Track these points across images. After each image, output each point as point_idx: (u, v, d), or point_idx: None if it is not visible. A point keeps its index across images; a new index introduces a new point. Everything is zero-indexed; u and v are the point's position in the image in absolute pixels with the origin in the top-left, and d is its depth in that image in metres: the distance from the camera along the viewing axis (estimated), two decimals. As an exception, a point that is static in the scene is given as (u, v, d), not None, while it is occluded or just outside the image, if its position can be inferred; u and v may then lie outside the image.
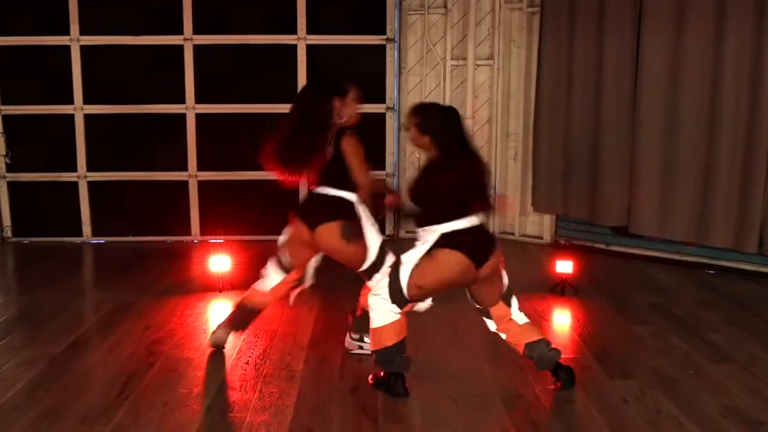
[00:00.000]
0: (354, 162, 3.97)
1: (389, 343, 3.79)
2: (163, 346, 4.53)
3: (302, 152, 3.93)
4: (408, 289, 3.70)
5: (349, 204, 4.01)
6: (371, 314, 3.86)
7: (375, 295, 3.85)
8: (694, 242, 6.33)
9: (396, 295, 3.73)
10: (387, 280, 3.78)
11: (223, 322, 4.43)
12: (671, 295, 5.68)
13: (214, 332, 4.46)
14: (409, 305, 3.83)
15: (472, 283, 3.79)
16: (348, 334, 4.45)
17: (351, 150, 3.97)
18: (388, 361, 3.82)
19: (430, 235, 3.70)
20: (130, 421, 3.55)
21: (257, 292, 4.33)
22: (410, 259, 3.72)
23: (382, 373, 3.88)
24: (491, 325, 3.95)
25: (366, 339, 4.31)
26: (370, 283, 4.03)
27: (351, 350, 4.41)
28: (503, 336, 3.94)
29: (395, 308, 3.77)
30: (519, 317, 3.92)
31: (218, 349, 4.41)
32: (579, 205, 6.93)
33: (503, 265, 3.89)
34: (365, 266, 4.01)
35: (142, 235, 7.64)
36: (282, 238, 4.23)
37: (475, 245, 3.66)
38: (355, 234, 3.96)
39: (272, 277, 4.26)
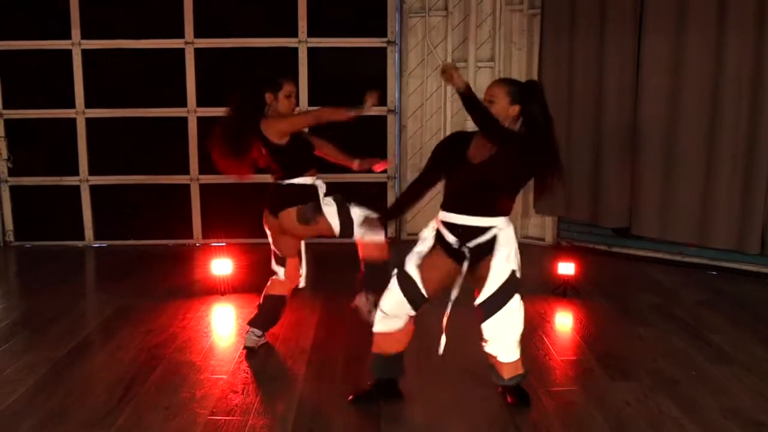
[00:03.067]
0: (286, 125, 4.24)
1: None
2: (165, 349, 4.53)
3: (234, 144, 4.27)
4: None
5: (305, 187, 4.32)
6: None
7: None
8: (695, 243, 6.33)
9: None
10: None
11: (254, 323, 4.56)
12: (673, 297, 5.67)
13: (247, 335, 4.57)
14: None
15: None
16: (363, 293, 4.45)
17: (275, 125, 4.24)
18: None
19: (507, 228, 3.75)
20: (133, 424, 3.55)
21: (276, 281, 4.57)
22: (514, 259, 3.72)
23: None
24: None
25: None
26: (357, 236, 4.34)
27: (364, 310, 4.42)
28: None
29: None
30: None
31: (251, 351, 4.49)
32: (581, 206, 6.93)
33: None
34: (337, 232, 4.33)
35: (144, 238, 7.65)
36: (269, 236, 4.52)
37: None
38: (315, 213, 4.28)
39: (279, 270, 4.54)
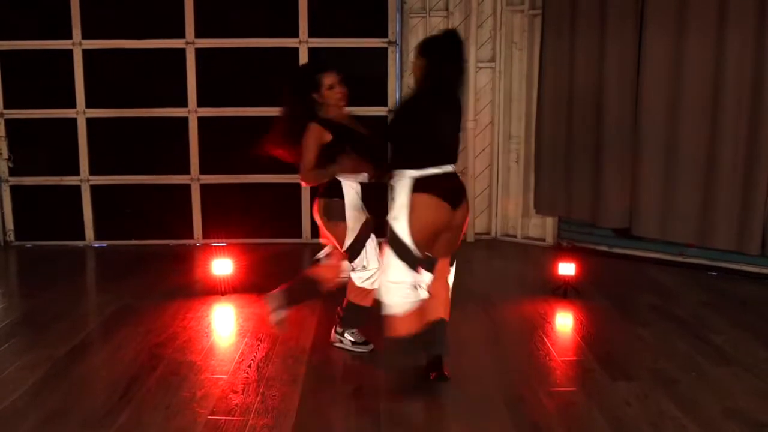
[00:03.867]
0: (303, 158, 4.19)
1: (402, 333, 3.84)
2: (166, 349, 4.53)
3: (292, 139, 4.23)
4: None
5: (338, 184, 4.22)
6: (384, 302, 3.90)
7: (386, 281, 3.86)
8: (696, 244, 6.33)
9: (407, 256, 3.75)
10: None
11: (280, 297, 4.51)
12: (674, 297, 5.67)
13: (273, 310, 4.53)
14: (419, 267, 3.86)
15: (446, 229, 3.81)
16: (334, 327, 4.57)
17: (304, 141, 4.17)
18: (401, 350, 3.92)
19: (401, 181, 3.77)
20: (133, 424, 3.55)
21: (323, 267, 4.50)
22: (398, 214, 3.76)
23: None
24: (426, 277, 3.93)
25: (347, 335, 4.49)
26: (350, 268, 4.31)
27: (333, 342, 4.56)
28: (424, 295, 3.92)
29: (409, 296, 3.81)
30: (450, 281, 4.04)
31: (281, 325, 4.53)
32: (581, 207, 6.93)
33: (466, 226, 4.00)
34: (345, 245, 4.24)
35: (145, 238, 7.65)
36: None
37: (446, 189, 3.74)
38: (338, 213, 4.21)
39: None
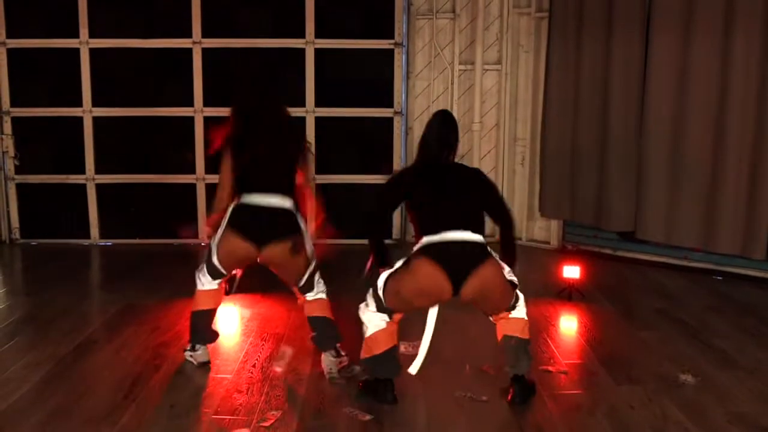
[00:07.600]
0: None
1: (377, 351, 3.77)
2: (170, 348, 4.54)
3: None
4: (385, 297, 3.72)
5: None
6: (363, 324, 3.84)
7: (365, 306, 3.84)
8: (701, 248, 6.31)
9: (378, 303, 3.76)
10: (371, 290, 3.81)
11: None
12: (678, 301, 5.67)
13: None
14: (398, 315, 3.82)
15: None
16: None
17: None
18: (375, 367, 3.81)
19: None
20: (136, 423, 3.56)
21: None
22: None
23: (369, 379, 3.89)
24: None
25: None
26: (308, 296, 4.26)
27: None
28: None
29: (384, 317, 3.77)
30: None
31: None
32: (586, 210, 6.92)
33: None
34: (302, 282, 4.21)
35: (150, 237, 7.66)
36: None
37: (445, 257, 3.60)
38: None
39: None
